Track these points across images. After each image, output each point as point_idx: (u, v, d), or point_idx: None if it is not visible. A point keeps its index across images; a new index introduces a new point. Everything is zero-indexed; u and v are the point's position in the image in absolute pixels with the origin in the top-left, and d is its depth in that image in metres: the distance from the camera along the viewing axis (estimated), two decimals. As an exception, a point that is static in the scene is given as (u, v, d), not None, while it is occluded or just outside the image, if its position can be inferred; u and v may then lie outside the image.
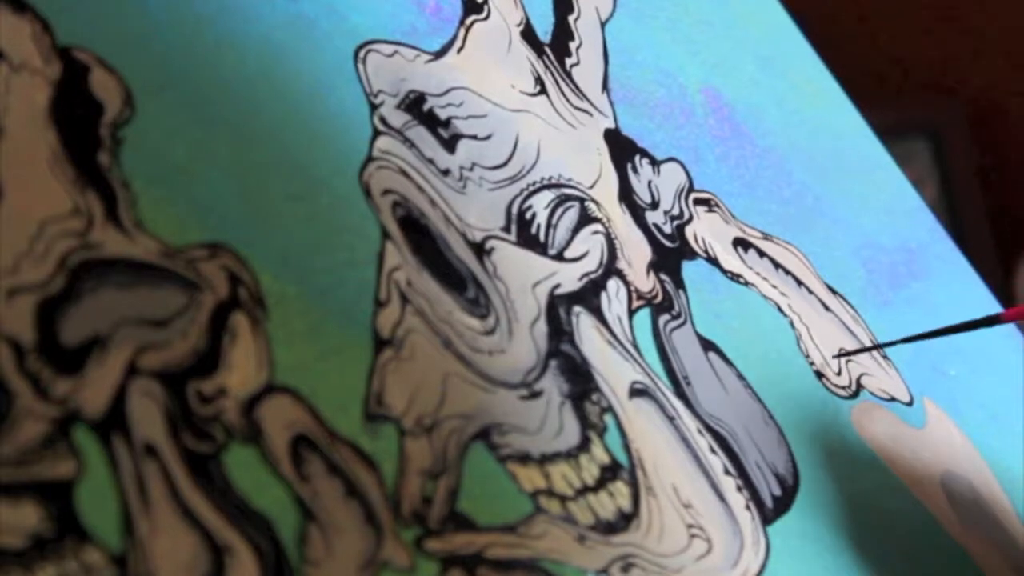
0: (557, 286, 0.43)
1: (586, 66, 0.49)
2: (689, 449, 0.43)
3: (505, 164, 0.44)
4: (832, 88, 0.62)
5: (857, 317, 0.54)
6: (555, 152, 0.46)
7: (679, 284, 0.47)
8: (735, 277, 0.50)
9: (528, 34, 0.48)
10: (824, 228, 0.56)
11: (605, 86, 0.50)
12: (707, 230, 0.50)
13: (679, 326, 0.46)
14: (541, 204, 0.44)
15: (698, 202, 0.51)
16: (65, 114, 0.35)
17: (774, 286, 0.51)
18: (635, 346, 0.44)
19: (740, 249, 0.51)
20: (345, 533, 0.34)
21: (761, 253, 0.52)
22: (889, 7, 1.35)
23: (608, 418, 0.41)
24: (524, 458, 0.39)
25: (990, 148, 1.33)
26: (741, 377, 0.47)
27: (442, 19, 0.45)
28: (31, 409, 0.31)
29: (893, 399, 0.53)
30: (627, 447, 0.41)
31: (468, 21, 0.46)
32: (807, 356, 0.50)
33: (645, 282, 0.46)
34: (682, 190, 0.50)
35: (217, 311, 0.35)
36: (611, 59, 0.51)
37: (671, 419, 0.43)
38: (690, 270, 0.48)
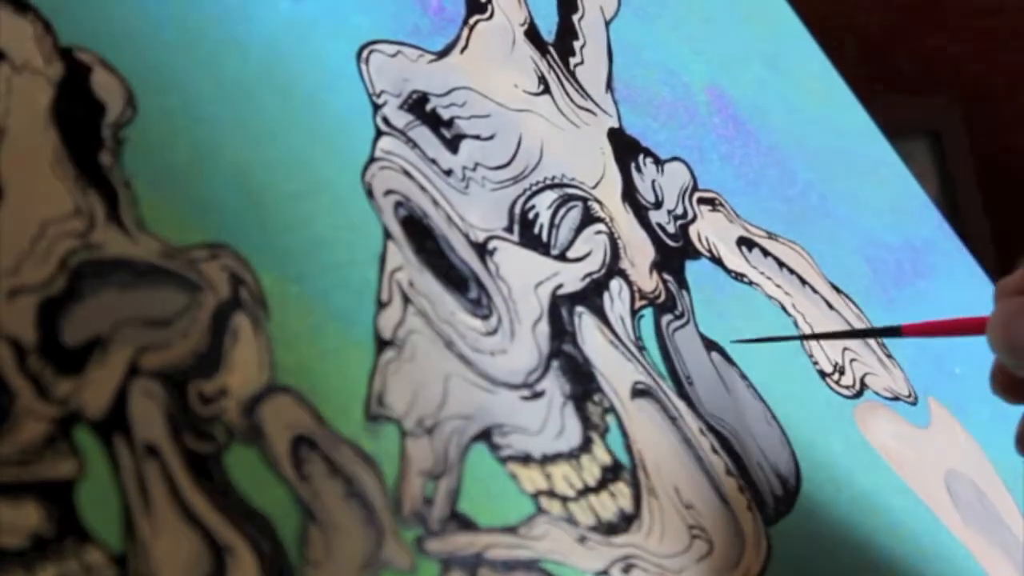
0: (559, 286, 0.43)
1: (590, 65, 0.49)
2: (691, 449, 0.43)
3: (508, 164, 0.44)
4: (838, 86, 0.62)
5: (862, 316, 0.54)
6: (558, 152, 0.46)
7: (682, 284, 0.47)
8: (739, 276, 0.50)
9: (532, 33, 0.48)
10: (829, 226, 0.56)
11: (609, 85, 0.50)
12: (711, 229, 0.50)
13: (682, 326, 0.46)
14: (544, 204, 0.44)
15: (702, 201, 0.51)
16: (67, 115, 0.35)
17: (778, 285, 0.51)
18: (638, 346, 0.44)
19: (744, 248, 0.51)
20: (345, 533, 0.34)
21: (765, 252, 0.52)
22: (888, 7, 1.35)
23: (610, 418, 0.41)
24: (525, 459, 0.39)
25: (990, 148, 1.32)
26: (744, 377, 0.47)
27: (445, 19, 0.45)
28: (32, 409, 0.31)
29: (897, 398, 0.52)
30: (629, 447, 0.41)
31: (472, 21, 0.46)
32: (811, 356, 0.50)
33: (648, 282, 0.46)
34: (686, 189, 0.50)
35: (218, 311, 0.35)
36: (615, 58, 0.51)
37: (673, 419, 0.43)
38: (694, 270, 0.48)
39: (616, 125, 0.49)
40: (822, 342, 0.51)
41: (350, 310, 0.37)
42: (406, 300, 0.38)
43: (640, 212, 0.48)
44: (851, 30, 1.33)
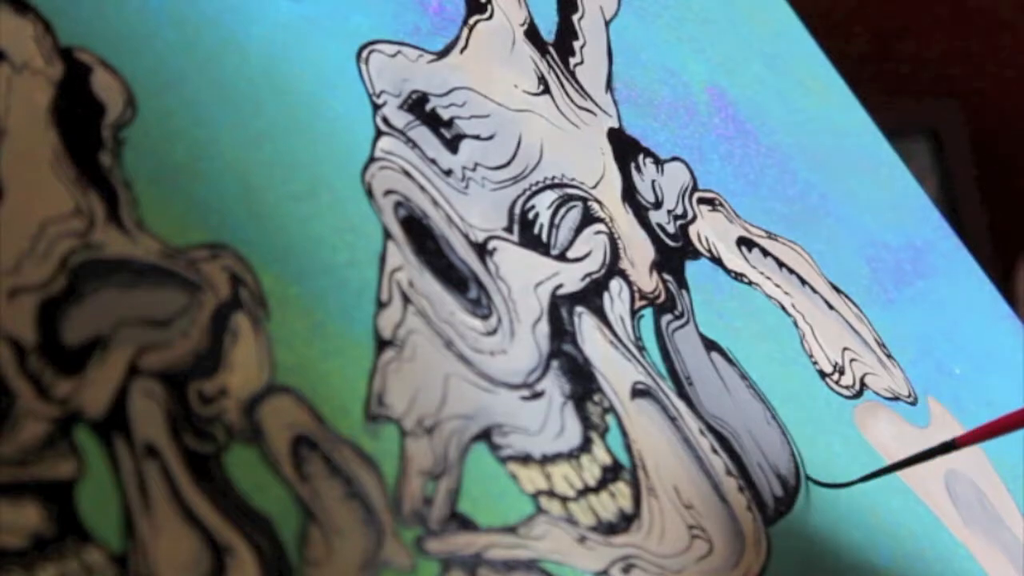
0: (559, 286, 0.43)
1: (590, 65, 0.49)
2: (691, 449, 0.43)
3: (508, 164, 0.44)
4: (838, 85, 0.62)
5: (861, 316, 0.54)
6: (558, 152, 0.46)
7: (682, 284, 0.47)
8: (739, 276, 0.50)
9: (532, 33, 0.48)
10: (829, 227, 0.56)
11: (609, 85, 0.50)
12: (711, 229, 0.50)
13: (682, 326, 0.46)
14: (544, 204, 0.44)
15: (702, 201, 0.51)
16: (67, 115, 0.35)
17: (778, 285, 0.51)
18: (638, 346, 0.44)
19: (744, 248, 0.51)
20: (345, 534, 0.34)
21: (765, 252, 0.52)
22: (889, 7, 1.35)
23: (610, 418, 0.41)
24: (525, 459, 0.39)
25: (990, 148, 1.32)
26: (744, 377, 0.47)
27: (445, 19, 0.45)
28: (32, 409, 0.31)
29: (897, 398, 0.52)
30: (629, 448, 0.41)
31: (471, 21, 0.46)
32: (810, 356, 0.50)
33: (648, 282, 0.46)
34: (686, 189, 0.50)
35: (218, 311, 0.35)
36: (615, 58, 0.51)
37: (673, 419, 0.43)
38: (693, 270, 0.48)
39: (616, 125, 0.49)
40: (822, 342, 0.51)
41: (350, 310, 0.37)
42: (406, 300, 0.39)
43: (640, 212, 0.48)
44: (852, 30, 1.33)
